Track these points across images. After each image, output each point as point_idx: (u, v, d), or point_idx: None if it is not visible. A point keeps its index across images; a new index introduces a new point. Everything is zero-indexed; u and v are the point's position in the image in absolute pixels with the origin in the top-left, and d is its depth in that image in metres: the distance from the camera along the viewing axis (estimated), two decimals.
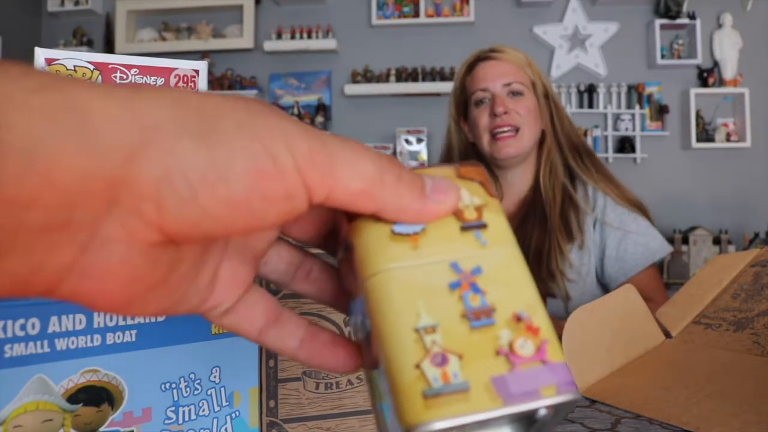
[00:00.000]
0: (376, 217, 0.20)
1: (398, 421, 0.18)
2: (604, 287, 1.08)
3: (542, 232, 1.05)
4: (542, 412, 0.18)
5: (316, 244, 0.24)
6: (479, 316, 0.19)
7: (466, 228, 0.21)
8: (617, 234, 1.05)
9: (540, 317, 0.20)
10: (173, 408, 0.36)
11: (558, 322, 0.79)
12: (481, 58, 1.14)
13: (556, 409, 0.19)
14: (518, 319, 0.19)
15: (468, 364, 0.18)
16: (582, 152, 1.13)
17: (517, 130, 1.07)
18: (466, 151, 1.17)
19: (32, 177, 0.14)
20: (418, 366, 0.18)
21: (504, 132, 1.06)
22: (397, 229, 0.20)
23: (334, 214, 0.22)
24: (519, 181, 1.13)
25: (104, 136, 0.15)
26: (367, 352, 0.21)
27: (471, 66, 1.15)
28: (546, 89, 1.14)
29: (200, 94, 0.17)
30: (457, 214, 0.21)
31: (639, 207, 1.09)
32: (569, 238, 1.05)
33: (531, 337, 0.19)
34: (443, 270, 0.20)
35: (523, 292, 0.20)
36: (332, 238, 0.23)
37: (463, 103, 1.18)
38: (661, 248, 1.07)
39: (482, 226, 0.21)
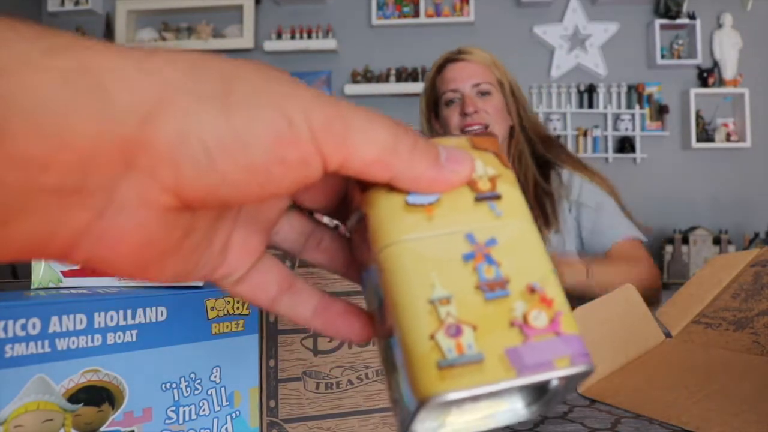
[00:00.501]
0: (390, 187, 0.20)
1: (412, 392, 0.18)
2: None
3: None
4: (554, 383, 0.19)
5: (327, 213, 0.24)
6: (494, 288, 0.19)
7: (480, 199, 0.21)
8: (592, 211, 1.11)
9: (554, 289, 0.20)
10: (174, 408, 0.36)
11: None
12: (450, 59, 1.20)
13: (568, 380, 0.19)
14: (532, 290, 0.19)
15: (482, 336, 0.18)
16: (551, 142, 1.20)
17: (486, 127, 1.12)
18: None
19: (46, 139, 0.13)
20: (432, 337, 0.18)
21: (474, 130, 1.10)
22: (411, 199, 0.20)
23: (345, 182, 0.22)
24: None
25: (119, 99, 0.14)
26: (380, 322, 0.21)
27: (440, 67, 1.22)
28: (512, 87, 1.20)
29: (217, 58, 0.17)
30: (471, 184, 0.21)
31: (612, 192, 1.16)
32: (546, 224, 1.10)
33: (545, 308, 0.19)
34: (458, 241, 0.20)
35: (537, 264, 0.20)
36: (343, 207, 0.23)
37: (434, 102, 1.25)
38: (636, 229, 1.13)
39: (497, 197, 0.21)
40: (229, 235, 0.21)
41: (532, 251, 0.20)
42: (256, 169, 0.16)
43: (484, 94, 1.16)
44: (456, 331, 0.18)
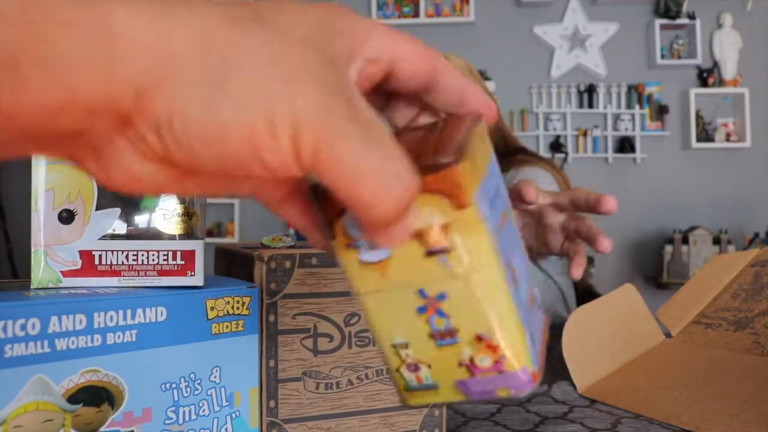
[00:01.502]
0: (347, 242, 0.21)
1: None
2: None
3: None
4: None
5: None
6: (444, 336, 0.22)
7: (429, 253, 0.21)
8: (512, 177, 1.12)
9: (500, 337, 0.22)
10: (173, 408, 0.36)
11: None
12: None
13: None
14: (479, 339, 0.22)
15: (436, 371, 0.23)
16: (501, 152, 1.22)
17: None
18: None
19: (61, 91, 0.15)
20: (398, 370, 0.23)
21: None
22: (364, 257, 0.21)
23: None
24: None
25: (129, 63, 0.15)
26: None
27: None
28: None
29: (231, 30, 0.16)
30: (420, 237, 0.20)
31: (556, 174, 1.16)
32: None
33: (490, 354, 0.22)
34: (411, 295, 0.22)
35: (485, 316, 0.21)
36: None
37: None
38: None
39: (445, 250, 0.20)
40: (245, 183, 0.21)
41: (482, 303, 0.21)
42: (231, 160, 0.17)
43: None
44: (414, 368, 0.23)
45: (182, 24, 0.16)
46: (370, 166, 0.17)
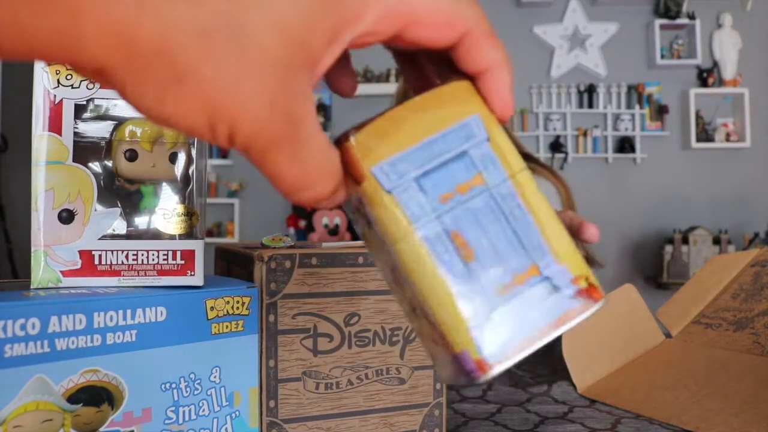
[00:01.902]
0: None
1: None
2: None
3: None
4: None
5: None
6: (415, 309, 0.23)
7: (369, 225, 0.23)
8: None
9: (433, 312, 0.21)
10: (173, 408, 0.36)
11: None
12: None
13: None
14: (425, 314, 0.22)
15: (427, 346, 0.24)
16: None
17: None
18: None
19: (108, 39, 0.16)
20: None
21: None
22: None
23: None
24: None
25: (95, 43, 0.16)
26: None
27: None
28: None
29: (193, 39, 0.17)
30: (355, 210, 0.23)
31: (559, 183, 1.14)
32: None
33: (435, 330, 0.22)
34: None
35: (419, 288, 0.22)
36: None
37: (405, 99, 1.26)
38: None
39: (369, 222, 0.22)
40: None
41: (411, 275, 0.21)
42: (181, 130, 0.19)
43: None
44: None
45: (151, 17, 0.16)
46: (290, 176, 0.20)
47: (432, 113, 0.22)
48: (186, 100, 0.17)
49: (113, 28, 0.16)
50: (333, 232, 3.06)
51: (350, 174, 0.21)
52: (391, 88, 3.19)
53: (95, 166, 0.38)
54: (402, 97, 1.27)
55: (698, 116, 3.19)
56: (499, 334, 0.20)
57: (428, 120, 0.22)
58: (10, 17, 0.15)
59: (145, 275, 0.38)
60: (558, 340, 0.63)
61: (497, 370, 0.20)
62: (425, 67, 0.25)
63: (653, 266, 3.16)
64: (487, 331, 0.20)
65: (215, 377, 0.38)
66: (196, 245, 0.39)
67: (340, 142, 0.21)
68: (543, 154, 3.22)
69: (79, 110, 0.37)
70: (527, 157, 1.19)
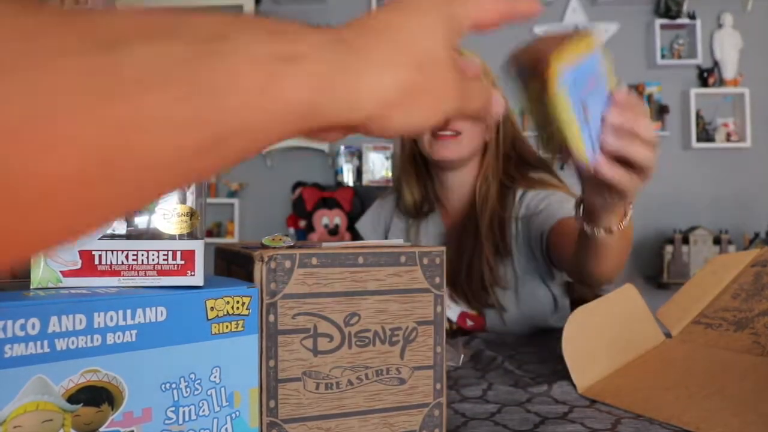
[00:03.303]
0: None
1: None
2: (551, 265, 1.03)
3: (475, 243, 1.05)
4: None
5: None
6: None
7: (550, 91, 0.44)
8: (539, 212, 1.02)
9: (565, 130, 0.46)
10: (173, 408, 0.36)
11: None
12: None
13: None
14: (561, 132, 0.46)
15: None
16: (514, 162, 1.12)
17: (458, 133, 1.05)
18: (410, 147, 1.16)
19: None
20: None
21: (445, 132, 1.06)
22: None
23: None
24: (459, 186, 1.12)
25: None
26: None
27: None
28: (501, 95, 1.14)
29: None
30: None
31: (566, 191, 1.08)
32: (496, 251, 1.03)
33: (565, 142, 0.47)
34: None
35: (559, 117, 0.45)
36: None
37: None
38: None
39: (545, 88, 0.43)
40: None
41: (554, 109, 0.44)
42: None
43: None
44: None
45: (294, 79, 0.22)
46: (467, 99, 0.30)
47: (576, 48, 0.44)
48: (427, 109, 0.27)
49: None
50: (333, 232, 3.06)
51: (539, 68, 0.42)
52: None
53: None
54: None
55: (699, 116, 3.19)
56: (593, 152, 0.48)
57: (576, 51, 0.44)
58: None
59: (145, 275, 0.38)
60: (558, 340, 0.63)
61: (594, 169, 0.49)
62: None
63: (653, 266, 3.16)
64: (591, 149, 0.47)
65: (215, 377, 0.38)
66: (196, 245, 0.39)
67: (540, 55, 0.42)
68: (543, 155, 3.21)
69: None
70: (538, 165, 1.14)
